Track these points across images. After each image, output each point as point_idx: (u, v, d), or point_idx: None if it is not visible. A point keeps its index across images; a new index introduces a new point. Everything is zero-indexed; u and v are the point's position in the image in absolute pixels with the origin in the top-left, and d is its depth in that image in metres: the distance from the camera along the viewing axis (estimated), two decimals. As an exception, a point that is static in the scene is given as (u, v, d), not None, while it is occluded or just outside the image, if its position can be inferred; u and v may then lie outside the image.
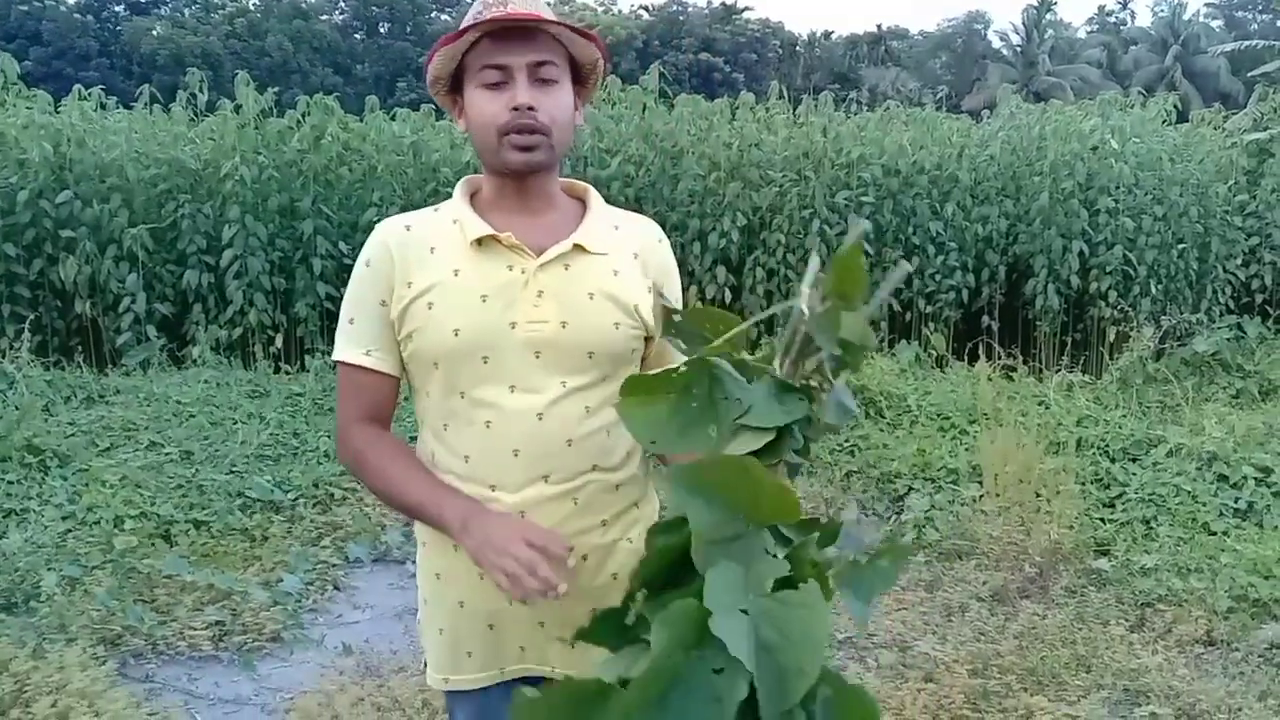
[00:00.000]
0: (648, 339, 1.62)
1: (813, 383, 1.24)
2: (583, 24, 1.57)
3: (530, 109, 1.49)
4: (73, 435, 5.39)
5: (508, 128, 1.50)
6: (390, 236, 1.57)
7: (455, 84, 1.58)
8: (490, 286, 1.51)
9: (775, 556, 1.15)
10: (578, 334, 1.52)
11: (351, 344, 1.58)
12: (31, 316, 7.01)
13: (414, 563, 4.62)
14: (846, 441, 5.61)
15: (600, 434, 1.55)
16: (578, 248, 1.55)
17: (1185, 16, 46.75)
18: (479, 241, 1.53)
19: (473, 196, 1.62)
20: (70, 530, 4.34)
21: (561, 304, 1.52)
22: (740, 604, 1.08)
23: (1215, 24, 48.19)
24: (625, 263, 1.59)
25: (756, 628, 1.07)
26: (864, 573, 1.22)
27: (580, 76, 1.60)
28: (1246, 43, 12.14)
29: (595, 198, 1.65)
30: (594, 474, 1.55)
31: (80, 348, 7.26)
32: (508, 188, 1.57)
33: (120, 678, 3.38)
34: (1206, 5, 52.25)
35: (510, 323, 1.50)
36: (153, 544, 4.29)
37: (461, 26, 1.51)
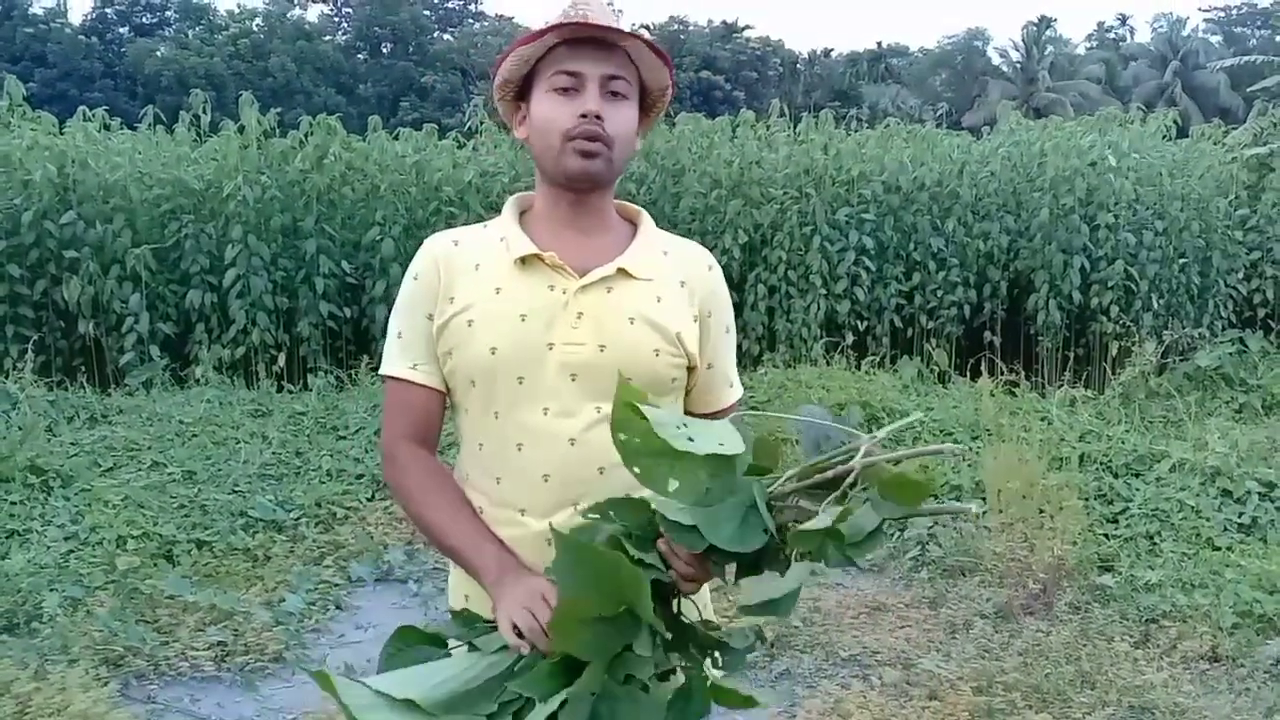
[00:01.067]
0: (691, 369, 1.59)
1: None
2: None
3: (599, 117, 1.48)
4: (75, 455, 5.39)
5: (573, 133, 1.48)
6: (437, 251, 1.57)
7: (522, 92, 1.57)
8: (530, 306, 1.50)
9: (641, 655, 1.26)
10: (615, 358, 1.48)
11: (399, 358, 1.56)
12: (35, 337, 7.04)
13: (416, 581, 4.60)
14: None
15: None
16: (621, 271, 1.53)
17: (1184, 32, 46.92)
18: (522, 260, 1.52)
19: (523, 214, 1.60)
20: (72, 551, 4.34)
21: (600, 327, 1.49)
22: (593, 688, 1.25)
23: (1214, 39, 48.31)
24: (671, 290, 1.56)
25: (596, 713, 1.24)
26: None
27: (646, 102, 1.60)
28: (1246, 58, 12.18)
29: (647, 221, 1.63)
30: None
31: (83, 368, 7.28)
32: (562, 202, 1.55)
33: (122, 699, 3.37)
34: (1205, 21, 52.44)
35: (548, 343, 1.48)
36: (155, 564, 4.29)
37: (540, 29, 1.50)
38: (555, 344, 1.48)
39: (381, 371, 1.60)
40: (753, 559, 1.28)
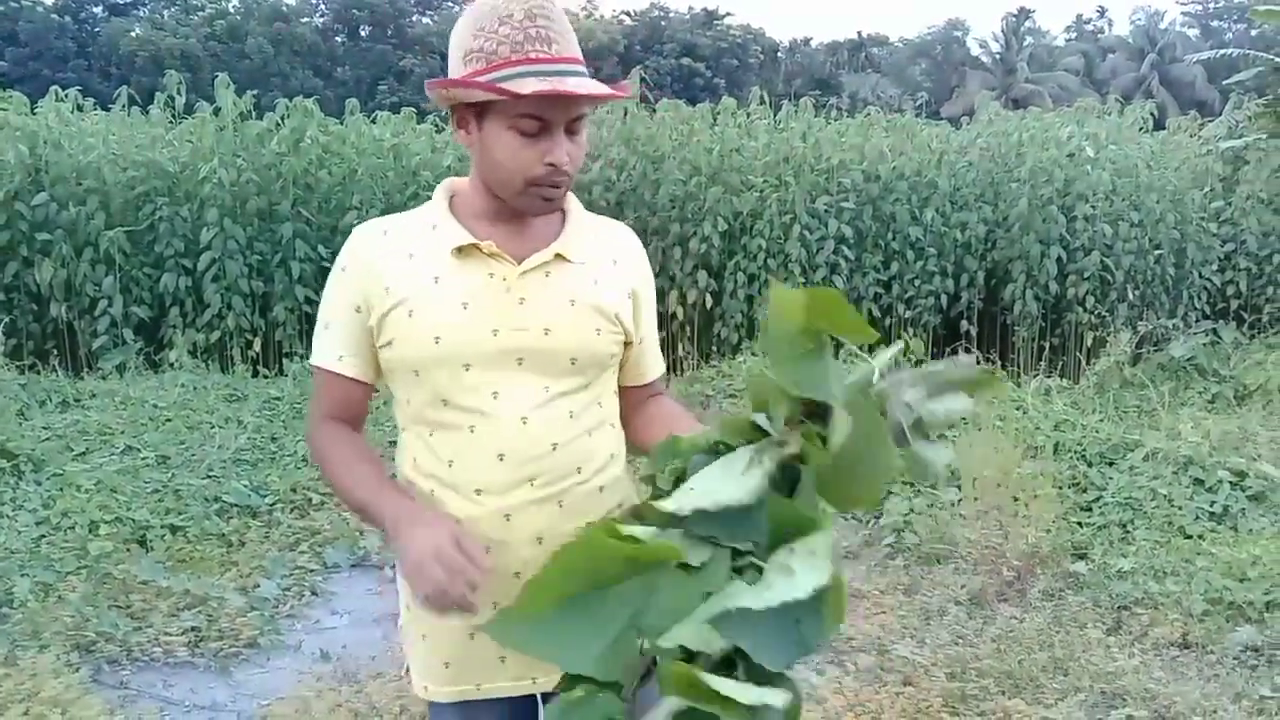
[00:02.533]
0: (627, 344, 1.64)
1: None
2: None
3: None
4: (47, 439, 5.34)
5: (538, 180, 1.48)
6: (367, 241, 1.57)
7: (475, 108, 1.50)
8: (471, 294, 1.51)
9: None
10: (560, 341, 1.52)
11: (325, 349, 1.58)
12: (6, 320, 6.96)
13: (393, 568, 4.60)
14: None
15: (583, 438, 1.55)
16: (559, 256, 1.55)
17: (1162, 25, 47.29)
18: (459, 249, 1.52)
19: (452, 199, 1.60)
20: (44, 535, 4.30)
21: (543, 312, 1.52)
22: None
23: (1191, 33, 48.67)
24: (605, 270, 1.60)
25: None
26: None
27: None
28: (1222, 51, 12.24)
29: (575, 205, 1.64)
30: (578, 477, 1.55)
31: (55, 351, 7.20)
32: (500, 202, 1.55)
33: (94, 685, 3.34)
34: (1183, 14, 52.79)
35: (492, 330, 1.50)
36: (128, 549, 4.26)
37: (501, 59, 1.42)
38: (500, 329, 1.50)
39: (310, 361, 1.62)
40: None
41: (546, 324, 1.52)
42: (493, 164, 1.50)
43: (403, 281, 1.52)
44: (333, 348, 1.57)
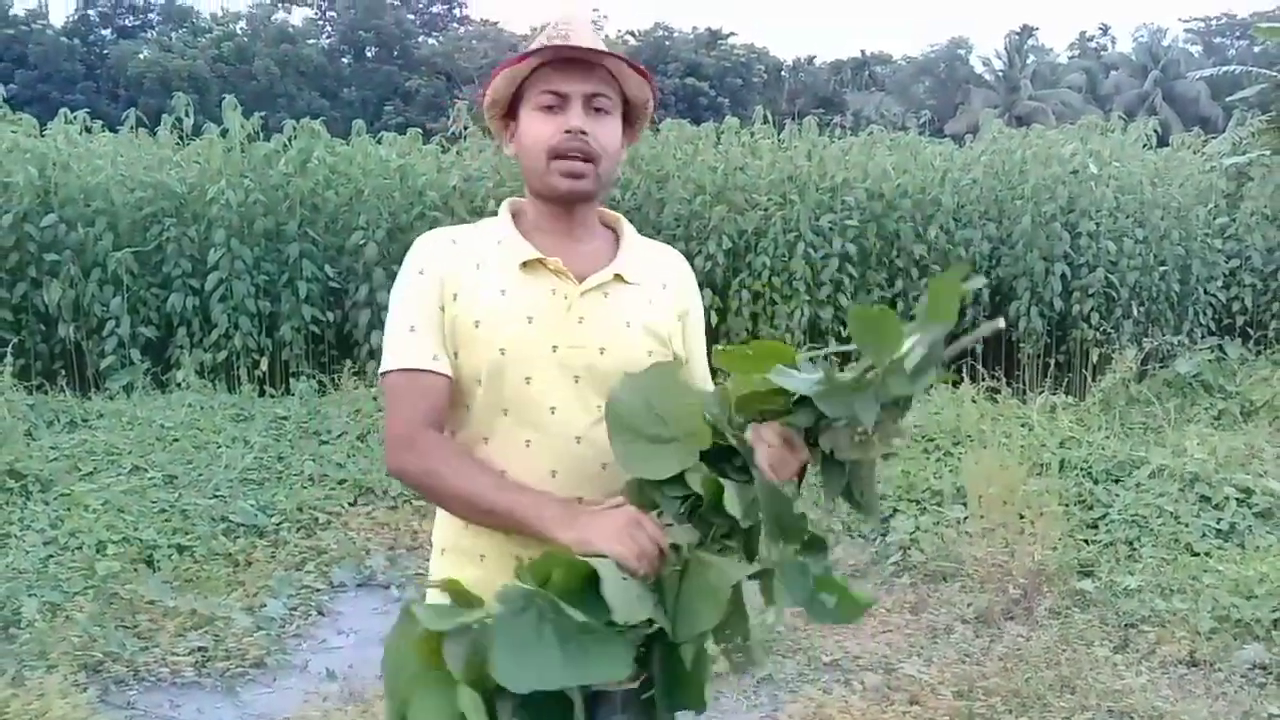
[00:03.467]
0: None
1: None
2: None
3: (583, 133, 1.55)
4: (55, 460, 5.35)
5: (558, 150, 1.56)
6: (439, 247, 1.61)
7: (510, 109, 1.64)
8: (535, 309, 1.56)
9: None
10: (615, 361, 1.56)
11: (416, 350, 1.55)
12: (14, 340, 6.98)
13: (399, 587, 4.59)
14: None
15: None
16: (617, 277, 1.61)
17: (1165, 42, 47.36)
18: (525, 264, 1.58)
19: (514, 218, 1.66)
20: (52, 556, 4.31)
21: (601, 331, 1.57)
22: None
23: (1194, 49, 48.77)
24: (657, 293, 1.66)
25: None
26: (804, 578, 1.41)
27: (629, 116, 1.67)
28: (1225, 68, 12.27)
29: (628, 227, 1.71)
30: (624, 496, 1.57)
31: (63, 371, 7.22)
32: (552, 214, 1.62)
33: (101, 705, 3.35)
34: (1186, 31, 52.94)
35: (552, 345, 1.55)
36: (135, 569, 4.27)
37: (525, 51, 1.57)
38: (559, 346, 1.55)
39: (393, 366, 1.56)
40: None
41: (603, 343, 1.57)
42: (526, 154, 1.60)
43: (470, 290, 1.57)
44: (425, 348, 1.55)
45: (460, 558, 1.60)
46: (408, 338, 1.56)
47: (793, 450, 1.43)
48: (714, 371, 1.65)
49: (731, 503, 1.36)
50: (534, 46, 1.58)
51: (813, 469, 1.47)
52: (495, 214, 1.69)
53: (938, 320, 1.39)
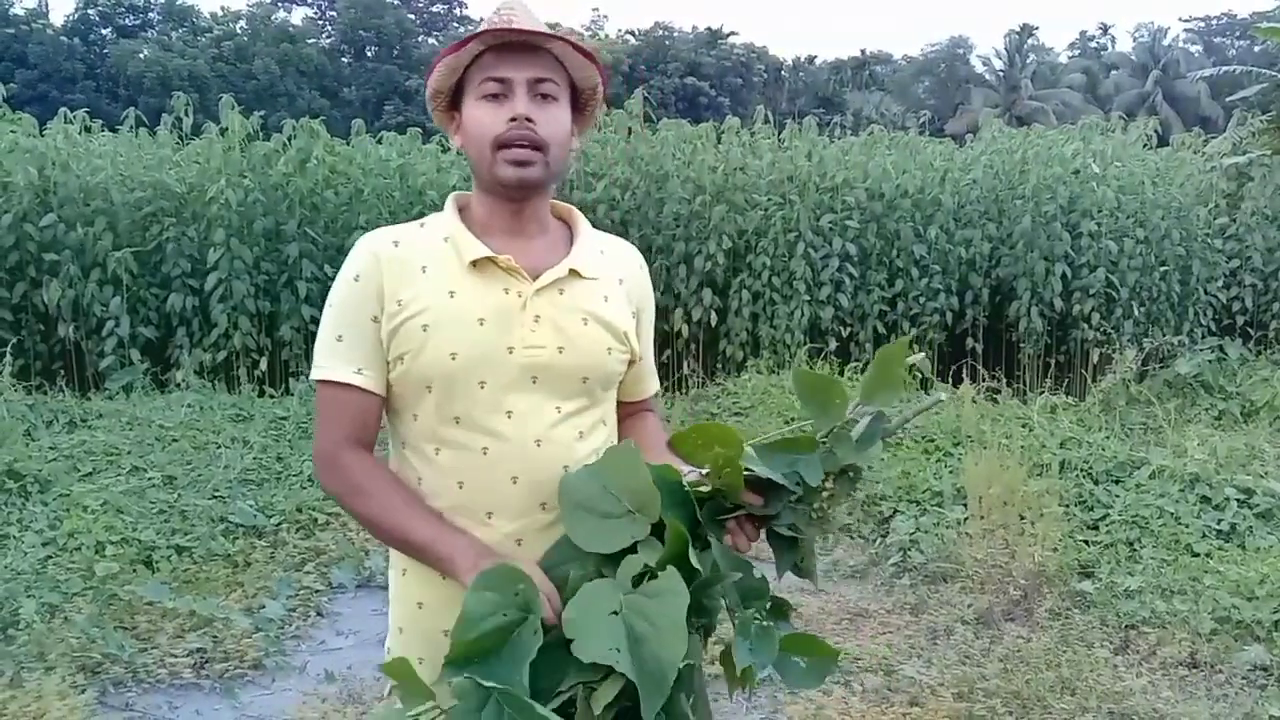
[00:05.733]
0: (631, 363, 1.63)
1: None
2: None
3: (529, 120, 1.48)
4: (54, 460, 5.35)
5: (504, 139, 1.48)
6: (378, 251, 1.53)
7: (454, 101, 1.57)
8: (487, 310, 1.49)
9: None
10: (574, 359, 1.51)
11: (341, 362, 1.52)
12: (14, 340, 6.98)
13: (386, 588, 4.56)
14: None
15: (591, 459, 1.53)
16: (572, 272, 1.54)
17: (1165, 42, 47.34)
18: (475, 263, 1.51)
19: (461, 213, 1.59)
20: (50, 557, 4.30)
21: (558, 329, 1.51)
22: (610, 607, 1.30)
23: (1194, 49, 48.77)
24: (613, 289, 1.59)
25: (628, 624, 1.28)
26: (770, 641, 1.41)
27: (579, 103, 1.59)
28: (1225, 68, 12.27)
29: (582, 221, 1.64)
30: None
31: (63, 371, 7.22)
32: (501, 208, 1.55)
33: (100, 706, 3.34)
34: (1186, 31, 52.95)
35: (508, 347, 1.48)
36: (134, 570, 4.26)
37: (465, 37, 1.52)
38: (515, 347, 1.49)
39: (317, 376, 1.53)
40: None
41: (561, 342, 1.51)
42: (471, 144, 1.53)
43: (416, 294, 1.49)
44: (349, 360, 1.51)
45: (422, 575, 1.53)
46: (334, 347, 1.52)
47: (749, 532, 1.49)
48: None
49: (695, 557, 1.35)
50: (474, 34, 1.52)
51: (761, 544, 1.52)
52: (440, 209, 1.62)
53: (883, 390, 1.41)
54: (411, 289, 1.49)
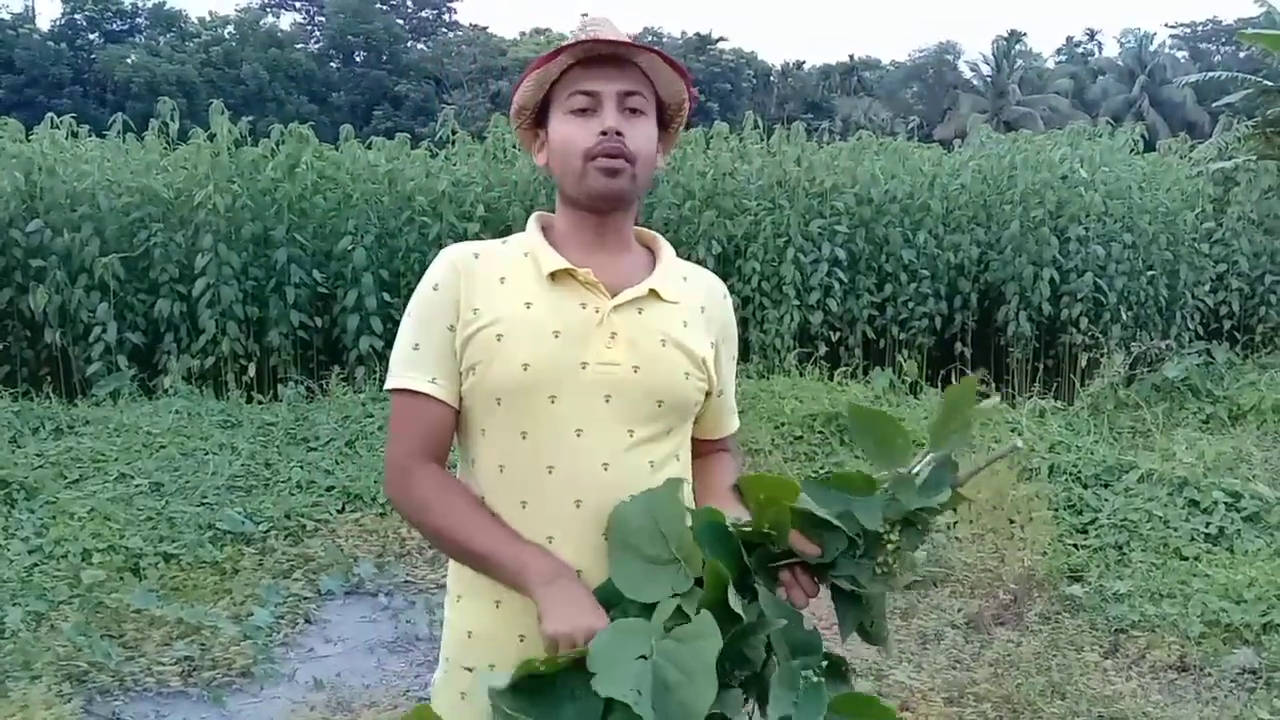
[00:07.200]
0: (707, 394, 1.57)
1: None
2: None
3: (618, 134, 1.45)
4: (40, 467, 5.31)
5: (594, 152, 1.45)
6: (459, 261, 1.50)
7: (538, 119, 1.54)
8: (563, 323, 1.44)
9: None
10: (649, 380, 1.45)
11: (416, 371, 1.47)
12: (0, 346, 6.93)
13: (386, 595, 4.56)
14: (821, 468, 5.61)
15: None
16: (653, 293, 1.50)
17: (1152, 48, 47.65)
18: (553, 275, 1.47)
19: (544, 232, 1.55)
20: (37, 564, 4.27)
21: (635, 348, 1.46)
22: (639, 650, 1.23)
23: (1180, 55, 49.06)
24: (693, 315, 1.54)
25: (657, 672, 1.21)
26: (819, 699, 1.31)
27: (663, 118, 1.57)
28: (1211, 74, 12.34)
29: (666, 246, 1.60)
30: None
31: (49, 378, 7.18)
32: (585, 222, 1.51)
33: (86, 715, 3.32)
34: (1172, 37, 53.26)
35: (581, 362, 1.43)
36: (121, 577, 4.23)
37: (553, 50, 1.48)
38: (589, 362, 1.44)
39: (394, 385, 1.49)
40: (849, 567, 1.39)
41: (636, 361, 1.45)
42: (558, 159, 1.50)
43: (493, 304, 1.46)
44: (424, 370, 1.47)
45: (476, 604, 1.49)
46: (410, 356, 1.49)
47: (805, 585, 1.41)
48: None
49: (735, 601, 1.27)
50: (559, 48, 1.48)
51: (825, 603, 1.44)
52: (513, 229, 1.62)
53: (954, 433, 1.34)
54: (488, 299, 1.46)
